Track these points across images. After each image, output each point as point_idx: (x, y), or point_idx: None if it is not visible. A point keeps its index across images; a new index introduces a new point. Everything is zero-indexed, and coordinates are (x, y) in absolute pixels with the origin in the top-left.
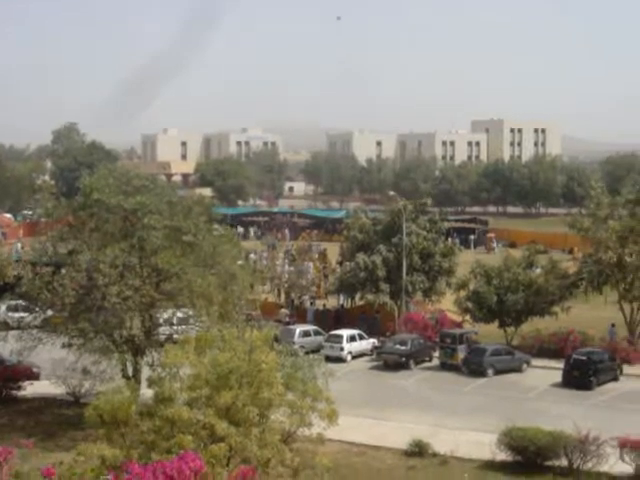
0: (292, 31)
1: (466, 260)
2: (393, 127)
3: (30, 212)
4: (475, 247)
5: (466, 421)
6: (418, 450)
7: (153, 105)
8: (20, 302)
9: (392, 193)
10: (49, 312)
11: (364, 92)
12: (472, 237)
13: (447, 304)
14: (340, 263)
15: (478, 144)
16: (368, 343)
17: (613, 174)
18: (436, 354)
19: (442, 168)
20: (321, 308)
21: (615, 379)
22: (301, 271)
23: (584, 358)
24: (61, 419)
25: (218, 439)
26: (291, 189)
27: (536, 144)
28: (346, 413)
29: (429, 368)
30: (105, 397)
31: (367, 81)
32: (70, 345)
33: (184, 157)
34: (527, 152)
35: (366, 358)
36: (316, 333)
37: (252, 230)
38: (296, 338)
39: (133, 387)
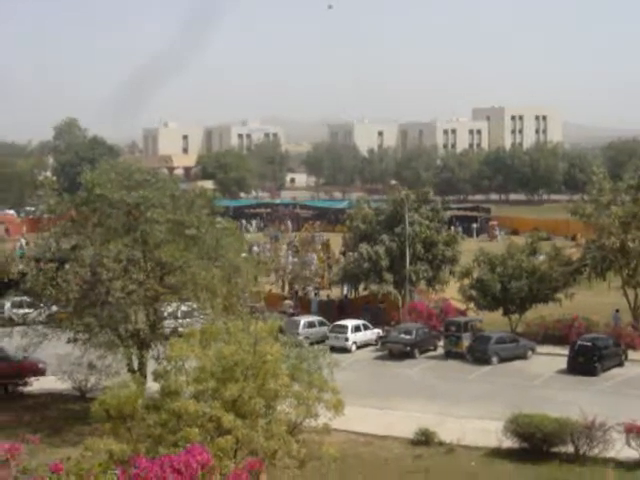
0: (292, 20)
1: (469, 248)
2: (394, 117)
3: (33, 208)
4: (478, 235)
5: (472, 409)
6: (424, 439)
7: (154, 99)
8: (25, 298)
9: (394, 183)
10: (54, 308)
11: (365, 82)
12: (475, 225)
13: (451, 293)
14: (343, 254)
15: (479, 132)
16: (373, 333)
17: (615, 160)
18: (441, 343)
19: (444, 157)
20: (325, 299)
21: (620, 365)
22: (305, 262)
23: (589, 344)
24: (67, 414)
25: (225, 432)
26: (293, 180)
27: (537, 131)
28: (352, 403)
29: (434, 357)
30: (111, 391)
31: (367, 71)
32: (75, 340)
33: (185, 150)
34: (528, 139)
35: (371, 348)
36: (321, 324)
37: (254, 222)
38: (301, 329)
39: (139, 381)
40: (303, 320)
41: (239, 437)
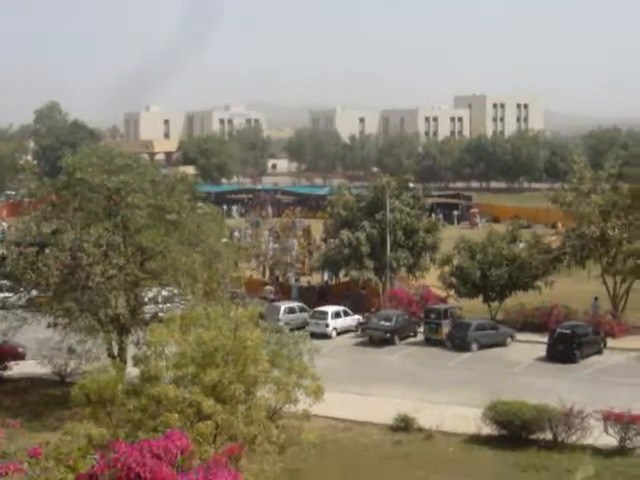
0: (279, 5)
1: (450, 236)
2: (376, 103)
3: (13, 192)
4: (459, 222)
5: (451, 396)
6: (404, 425)
7: (134, 83)
8: (4, 282)
9: (375, 169)
10: (34, 292)
11: (346, 68)
12: (455, 213)
13: (431, 280)
14: (324, 240)
15: (461, 120)
16: (353, 319)
17: (595, 148)
18: (421, 329)
19: (425, 144)
20: (306, 285)
21: (599, 352)
22: (285, 248)
23: (568, 332)
24: (47, 399)
25: (204, 417)
26: (274, 166)
27: (519, 119)
28: (332, 389)
29: (414, 343)
30: (91, 376)
31: (349, 57)
32: (55, 325)
33: (167, 135)
34: (510, 127)
35: (351, 334)
36: (301, 310)
37: (234, 208)
38: (281, 315)
39: (119, 366)
40: (283, 306)
41: (219, 422)
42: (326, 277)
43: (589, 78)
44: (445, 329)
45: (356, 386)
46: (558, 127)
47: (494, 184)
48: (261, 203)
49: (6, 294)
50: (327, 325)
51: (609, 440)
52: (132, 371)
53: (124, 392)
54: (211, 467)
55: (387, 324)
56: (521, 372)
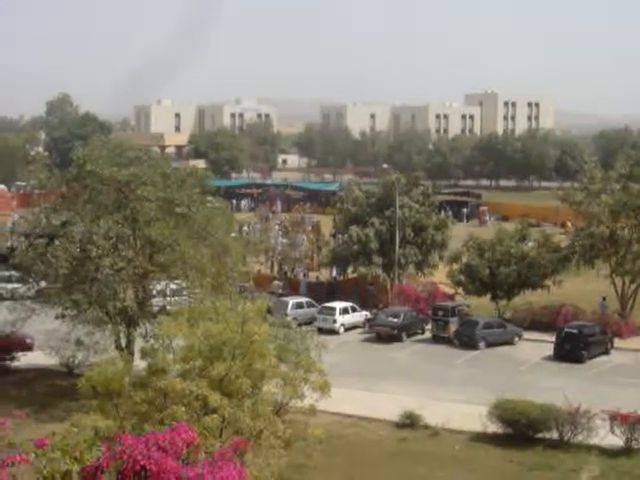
0: (289, 5)
1: (459, 233)
2: (387, 100)
3: (24, 183)
4: (468, 220)
5: (458, 393)
6: (410, 422)
7: (146, 76)
8: (14, 273)
9: (385, 166)
10: (43, 283)
11: (358, 64)
12: (465, 210)
13: (440, 277)
14: (333, 236)
15: (472, 117)
16: (361, 315)
17: (606, 148)
18: (428, 327)
19: (435, 141)
20: (314, 280)
21: (606, 352)
22: (294, 243)
23: (575, 331)
24: (54, 390)
25: (211, 410)
26: (285, 161)
27: (529, 118)
28: (338, 385)
29: (421, 340)
30: (98, 368)
31: (360, 53)
32: (64, 316)
33: (178, 129)
34: (520, 126)
35: (359, 330)
36: (309, 305)
37: (243, 202)
38: (289, 310)
39: (126, 358)
40: (292, 301)
41: (225, 416)
42: (334, 273)
43: (601, 77)
44: (453, 327)
45: (363, 382)
46: (569, 126)
47: (504, 182)
48: (271, 198)
49: (15, 285)
50: (335, 321)
51: (615, 440)
52: (139, 364)
53: (131, 384)
54: (217, 460)
55: (395, 321)
56: (528, 371)
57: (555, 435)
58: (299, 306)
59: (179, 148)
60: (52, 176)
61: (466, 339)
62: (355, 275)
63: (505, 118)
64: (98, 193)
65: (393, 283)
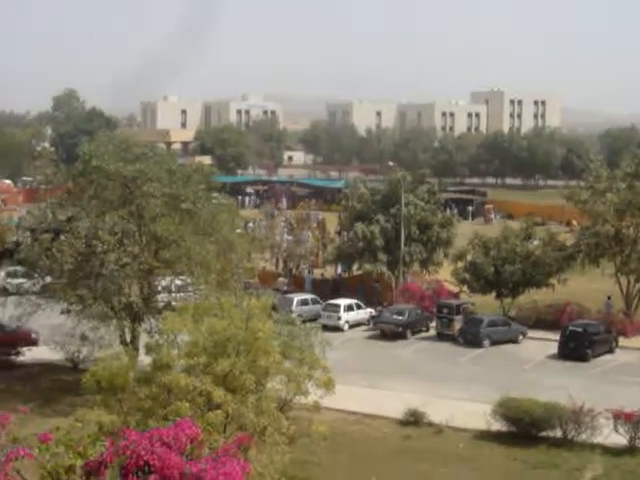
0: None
1: (464, 231)
2: (393, 97)
3: (30, 178)
4: (473, 218)
5: (462, 391)
6: (414, 419)
7: (152, 72)
8: (19, 268)
9: (391, 163)
10: (48, 278)
11: (363, 62)
12: (470, 208)
13: (444, 275)
14: (338, 233)
15: (478, 115)
16: (365, 313)
17: (612, 147)
18: (433, 324)
19: (441, 139)
20: (319, 277)
21: (611, 351)
22: (299, 240)
23: (580, 330)
24: (59, 385)
25: (215, 406)
26: (290, 158)
27: (536, 116)
28: (343, 382)
29: (426, 338)
30: (103, 363)
31: (367, 50)
32: (69, 311)
33: (184, 125)
34: (526, 124)
35: (363, 327)
36: (314, 302)
37: (247, 199)
38: (294, 307)
39: (131, 354)
40: (296, 298)
41: (229, 412)
42: (339, 270)
43: (607, 75)
44: (457, 324)
45: (367, 379)
46: (575, 124)
47: (509, 180)
48: (276, 195)
49: (20, 280)
50: (339, 318)
51: (619, 439)
52: (144, 359)
53: (135, 380)
54: (220, 456)
55: (399, 318)
56: (532, 369)
57: (559, 434)
58: (304, 303)
59: (185, 144)
60: (58, 171)
61: (470, 337)
62: (360, 272)
63: (511, 116)
64: (104, 189)
65: (398, 280)
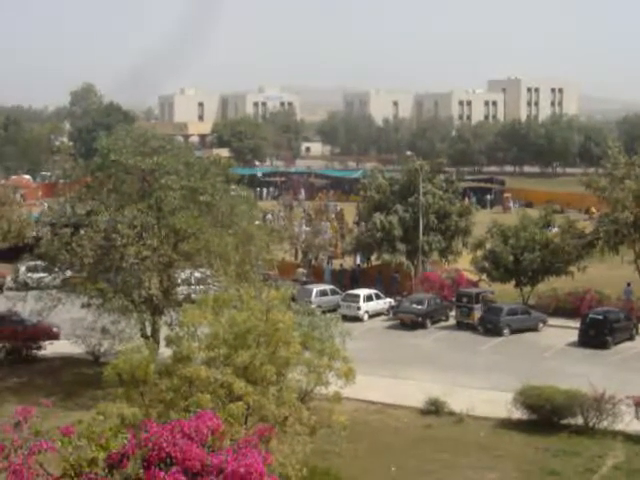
0: None
1: (482, 220)
2: (409, 87)
3: (49, 173)
4: (492, 207)
5: (482, 380)
6: (434, 408)
7: (170, 66)
8: (39, 263)
9: (409, 153)
10: (68, 272)
11: (380, 51)
12: (489, 197)
13: (463, 264)
14: (357, 223)
15: (495, 104)
16: (385, 302)
17: (630, 133)
18: (452, 313)
19: (459, 128)
20: (338, 268)
21: (631, 338)
22: (318, 231)
23: (600, 317)
24: (80, 378)
25: (236, 398)
26: (308, 149)
27: (553, 103)
28: (363, 372)
29: (445, 327)
30: (124, 356)
31: (383, 41)
32: (89, 305)
33: (201, 118)
34: (544, 112)
35: (383, 317)
36: (333, 292)
37: (265, 191)
38: (313, 297)
39: (151, 346)
40: (316, 289)
41: (250, 403)
42: (358, 260)
43: (625, 62)
44: (477, 313)
45: (387, 369)
46: (592, 111)
47: (527, 168)
48: (294, 186)
49: (41, 274)
50: (359, 308)
51: None
52: (165, 352)
53: (156, 372)
54: (242, 447)
55: (419, 307)
56: (553, 357)
57: (580, 421)
58: (323, 294)
59: (202, 137)
60: (77, 166)
61: (490, 326)
62: (379, 262)
63: (528, 104)
64: (122, 182)
65: (417, 270)
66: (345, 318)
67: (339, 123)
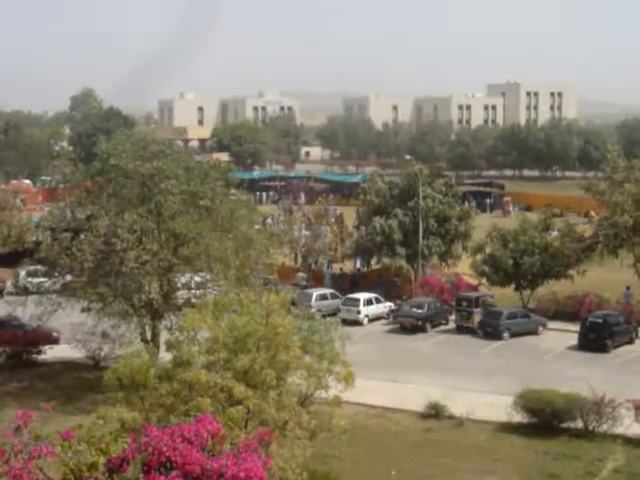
0: None
1: (482, 224)
2: (408, 91)
3: (48, 178)
4: (491, 211)
5: (482, 384)
6: (434, 412)
7: (169, 70)
8: (39, 267)
9: (408, 157)
10: (68, 277)
11: (380, 56)
12: (488, 201)
13: (463, 267)
14: (357, 227)
15: (494, 108)
16: (385, 306)
17: (629, 137)
18: (452, 317)
19: (458, 132)
20: (338, 272)
21: (631, 342)
22: (318, 235)
23: (600, 321)
24: (81, 383)
25: (236, 402)
26: (307, 154)
27: (552, 108)
28: (363, 376)
29: (445, 331)
30: (124, 361)
31: (383, 45)
32: (89, 309)
33: (201, 122)
34: (543, 116)
35: (383, 321)
36: (333, 297)
37: (265, 195)
38: (313, 302)
39: (152, 351)
40: (315, 293)
41: (250, 407)
42: (358, 264)
43: (624, 66)
44: (477, 317)
45: (387, 373)
46: (592, 115)
47: (527, 172)
48: (294, 190)
49: (41, 279)
50: (359, 312)
51: None
52: (165, 356)
53: (156, 377)
54: (242, 452)
55: (419, 311)
56: (552, 361)
57: (580, 424)
58: (323, 298)
59: (202, 141)
60: (76, 170)
61: (490, 329)
62: (379, 266)
63: (528, 108)
64: (122, 187)
65: (417, 274)
66: (345, 322)
67: (339, 127)
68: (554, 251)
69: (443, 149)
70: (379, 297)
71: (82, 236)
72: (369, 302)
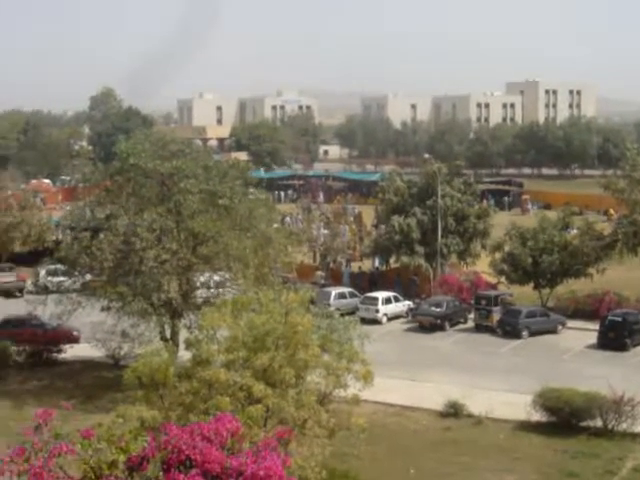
0: None
1: (501, 222)
2: (427, 90)
3: (68, 177)
4: (510, 209)
5: (501, 382)
6: (453, 411)
7: (189, 69)
8: (59, 266)
9: (427, 156)
10: (88, 276)
11: (398, 55)
12: (507, 199)
13: (482, 266)
14: (375, 226)
15: (513, 106)
16: (403, 305)
17: None
18: (471, 316)
19: (477, 130)
20: (356, 270)
21: None
22: (336, 234)
23: (619, 319)
24: (100, 381)
25: (255, 400)
26: (326, 152)
27: (571, 106)
28: (381, 374)
29: (464, 330)
30: (143, 359)
31: (401, 44)
32: (109, 308)
33: (219, 122)
34: (562, 114)
35: (401, 320)
36: (352, 295)
37: (283, 193)
38: (332, 300)
39: (171, 349)
40: (334, 291)
41: (269, 406)
42: (377, 263)
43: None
44: (496, 316)
45: (406, 371)
46: (610, 113)
47: (546, 171)
48: (313, 189)
49: (61, 278)
50: (377, 311)
51: None
52: (184, 355)
53: (176, 375)
54: (261, 450)
55: (437, 310)
56: (571, 359)
57: (599, 423)
58: (342, 296)
59: (221, 141)
60: (96, 170)
61: (509, 328)
62: (397, 265)
63: (546, 106)
64: (141, 186)
65: (435, 273)
66: (364, 321)
67: (357, 126)
68: (573, 249)
69: (462, 147)
70: (398, 296)
71: (102, 235)
72: (388, 301)
